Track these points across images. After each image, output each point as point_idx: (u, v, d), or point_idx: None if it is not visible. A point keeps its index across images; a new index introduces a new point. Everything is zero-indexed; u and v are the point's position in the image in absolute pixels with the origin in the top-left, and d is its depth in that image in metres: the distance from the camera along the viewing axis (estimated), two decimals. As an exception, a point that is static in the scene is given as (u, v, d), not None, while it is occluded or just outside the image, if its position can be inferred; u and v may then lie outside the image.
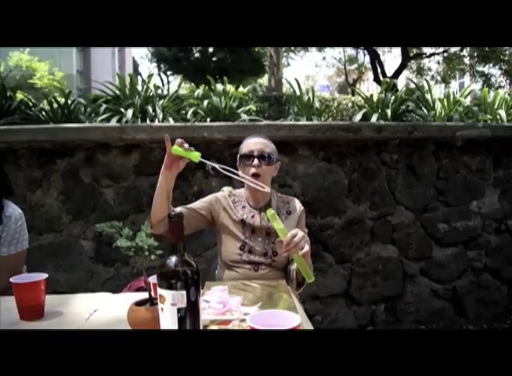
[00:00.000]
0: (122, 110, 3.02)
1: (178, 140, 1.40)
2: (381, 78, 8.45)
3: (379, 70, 9.16)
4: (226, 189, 1.75)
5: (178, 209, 1.59)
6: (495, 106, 3.42)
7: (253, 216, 1.66)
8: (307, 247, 1.39)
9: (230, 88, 3.43)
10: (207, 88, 3.45)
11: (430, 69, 9.92)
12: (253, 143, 1.66)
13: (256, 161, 1.60)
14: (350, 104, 3.83)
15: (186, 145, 1.39)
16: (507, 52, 8.21)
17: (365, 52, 10.28)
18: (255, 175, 1.59)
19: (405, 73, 9.27)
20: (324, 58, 14.13)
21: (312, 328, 1.38)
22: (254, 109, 3.42)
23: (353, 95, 4.11)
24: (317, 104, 3.42)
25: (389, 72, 9.09)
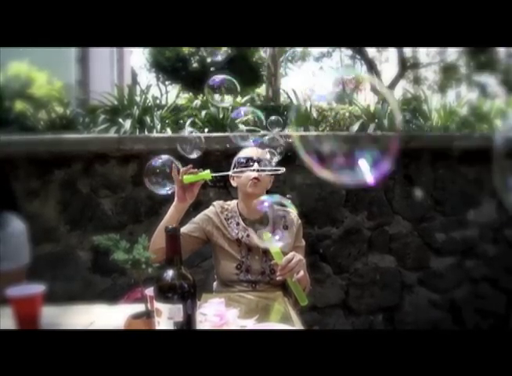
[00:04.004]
0: (120, 120, 3.03)
1: (184, 169, 1.41)
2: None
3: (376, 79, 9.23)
4: (217, 205, 1.69)
5: None
6: (492, 116, 3.45)
7: (248, 235, 1.62)
8: (302, 273, 1.39)
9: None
10: (204, 98, 3.47)
11: (426, 78, 10.00)
12: (251, 150, 1.65)
13: (256, 165, 1.58)
14: (347, 114, 3.85)
15: (194, 169, 1.40)
16: (503, 62, 8.29)
17: (362, 61, 10.36)
18: (255, 179, 1.58)
19: (402, 82, 9.33)
20: (321, 68, 14.26)
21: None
22: (252, 119, 3.43)
23: (350, 104, 4.14)
24: (314, 114, 3.45)
25: (386, 82, 9.16)
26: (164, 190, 1.42)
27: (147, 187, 1.43)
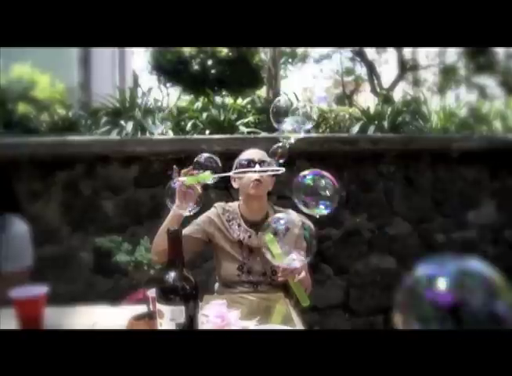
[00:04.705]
0: (122, 122, 3.05)
1: (184, 170, 1.40)
2: (378, 90, 8.53)
3: (375, 81, 9.26)
4: (219, 206, 1.70)
5: None
6: (491, 118, 3.47)
7: (250, 236, 1.63)
8: (303, 274, 1.40)
9: (229, 100, 3.47)
10: (206, 100, 3.48)
11: (426, 80, 10.02)
12: (252, 152, 1.66)
13: (257, 167, 1.58)
14: (347, 116, 3.87)
15: (194, 170, 1.40)
16: (502, 63, 8.31)
17: (362, 63, 10.39)
18: (257, 181, 1.58)
19: (402, 84, 9.36)
20: (321, 70, 14.25)
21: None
22: (253, 121, 3.45)
23: (350, 106, 4.15)
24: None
25: (386, 83, 9.19)
26: (187, 211, 1.41)
27: (149, 190, 1.41)
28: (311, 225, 1.38)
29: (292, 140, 1.48)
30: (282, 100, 1.54)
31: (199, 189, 1.42)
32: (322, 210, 1.33)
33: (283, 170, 1.53)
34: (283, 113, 1.49)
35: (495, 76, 7.53)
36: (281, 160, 1.52)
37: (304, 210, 1.34)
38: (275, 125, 1.51)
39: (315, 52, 12.50)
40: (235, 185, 1.70)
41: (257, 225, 1.65)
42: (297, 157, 2.79)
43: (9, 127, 2.95)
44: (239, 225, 1.65)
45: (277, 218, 1.36)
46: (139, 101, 3.26)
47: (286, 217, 1.37)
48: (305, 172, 1.35)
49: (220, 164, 1.46)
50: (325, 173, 1.34)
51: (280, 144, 1.49)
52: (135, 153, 2.62)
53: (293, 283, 1.40)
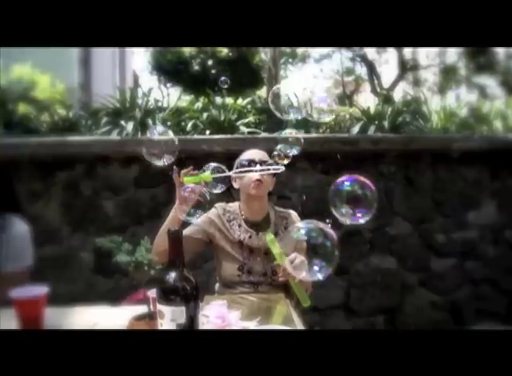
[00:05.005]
0: (122, 122, 3.05)
1: (184, 170, 1.40)
2: (378, 90, 8.54)
3: (376, 81, 9.26)
4: (219, 207, 1.69)
5: None
6: (491, 118, 3.47)
7: (250, 237, 1.63)
8: (304, 273, 1.40)
9: (229, 100, 3.47)
10: (206, 100, 3.48)
11: (426, 80, 10.02)
12: (253, 153, 1.66)
13: (258, 167, 1.58)
14: (348, 116, 3.88)
15: (195, 171, 1.39)
16: (502, 63, 8.30)
17: (362, 63, 10.39)
18: (258, 181, 1.58)
19: (402, 84, 9.36)
20: (322, 70, 14.26)
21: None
22: (253, 121, 3.45)
23: (351, 106, 4.15)
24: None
25: (386, 83, 9.19)
26: (194, 218, 1.39)
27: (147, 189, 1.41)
28: (334, 236, 1.21)
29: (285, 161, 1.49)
30: (278, 90, 1.55)
31: (207, 195, 1.39)
32: (360, 219, 1.25)
33: (283, 169, 1.53)
34: (282, 101, 1.48)
35: (496, 76, 7.53)
36: (285, 162, 1.52)
37: (342, 219, 1.25)
38: (279, 114, 1.50)
39: (315, 52, 12.50)
40: (235, 185, 1.70)
41: (258, 226, 1.65)
42: (297, 158, 2.79)
43: (10, 127, 2.95)
44: (239, 226, 1.65)
45: (297, 227, 1.29)
46: (140, 101, 3.26)
47: (306, 226, 1.30)
48: (342, 179, 1.28)
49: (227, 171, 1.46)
50: (362, 178, 1.26)
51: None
52: (135, 154, 2.61)
53: (294, 284, 1.40)
